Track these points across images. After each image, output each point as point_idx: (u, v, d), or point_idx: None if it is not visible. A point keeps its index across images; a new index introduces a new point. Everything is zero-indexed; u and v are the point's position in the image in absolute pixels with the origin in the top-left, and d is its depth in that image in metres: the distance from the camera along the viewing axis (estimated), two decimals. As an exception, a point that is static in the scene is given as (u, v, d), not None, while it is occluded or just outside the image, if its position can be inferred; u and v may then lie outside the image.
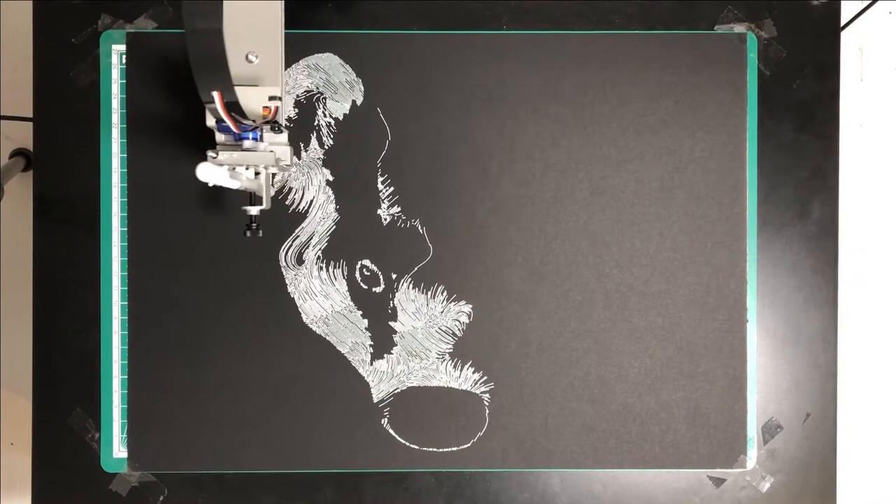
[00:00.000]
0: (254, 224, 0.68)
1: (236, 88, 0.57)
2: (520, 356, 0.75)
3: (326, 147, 0.75)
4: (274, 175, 0.74)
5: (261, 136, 0.65)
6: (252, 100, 0.61)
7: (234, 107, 0.58)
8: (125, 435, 0.75)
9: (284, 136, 0.67)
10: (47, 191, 0.75)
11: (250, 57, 0.63)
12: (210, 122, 0.64)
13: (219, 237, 0.74)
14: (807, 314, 0.76)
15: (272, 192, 0.74)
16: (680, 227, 0.75)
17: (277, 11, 0.66)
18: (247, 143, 0.64)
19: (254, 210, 0.67)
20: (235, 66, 0.58)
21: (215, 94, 0.55)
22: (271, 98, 0.63)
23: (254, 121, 0.62)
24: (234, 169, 0.64)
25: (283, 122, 0.67)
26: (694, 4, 0.76)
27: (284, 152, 0.67)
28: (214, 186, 0.75)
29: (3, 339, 1.21)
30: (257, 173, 0.67)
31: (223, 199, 0.74)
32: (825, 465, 0.76)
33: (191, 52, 0.53)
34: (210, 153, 0.64)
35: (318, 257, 0.75)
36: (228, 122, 0.59)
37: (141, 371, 0.74)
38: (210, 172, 0.60)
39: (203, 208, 0.74)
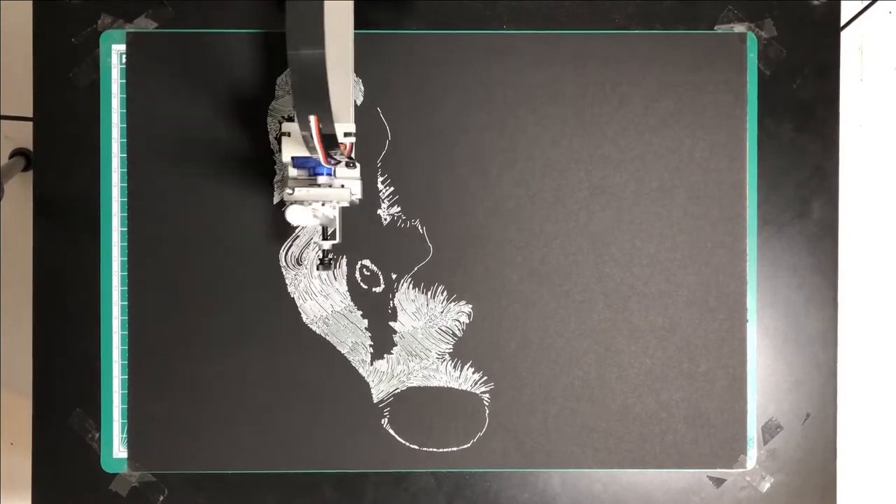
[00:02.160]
0: (328, 257, 0.70)
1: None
2: (520, 356, 0.75)
3: (326, 147, 0.75)
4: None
5: (334, 172, 0.66)
6: None
7: (329, 139, 0.58)
8: (125, 435, 0.75)
9: (357, 171, 0.68)
10: (47, 191, 0.75)
11: None
12: (286, 157, 0.64)
13: (219, 237, 0.74)
14: (807, 314, 0.76)
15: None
16: (680, 227, 0.75)
17: (349, 46, 0.66)
18: (321, 179, 0.65)
19: (327, 244, 0.69)
20: None
21: (312, 119, 0.54)
22: (346, 134, 0.64)
23: (337, 156, 0.62)
24: (311, 205, 0.65)
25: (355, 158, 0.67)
26: (694, 4, 0.76)
27: (356, 187, 0.68)
28: (214, 186, 0.75)
29: (3, 339, 1.21)
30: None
31: (223, 199, 0.74)
32: (825, 465, 0.76)
33: (293, 77, 0.52)
34: (287, 190, 0.65)
35: (318, 257, 0.75)
36: (320, 152, 0.58)
37: (141, 371, 0.74)
38: (300, 214, 0.62)
39: (203, 208, 0.74)
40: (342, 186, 0.66)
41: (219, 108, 0.74)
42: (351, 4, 0.68)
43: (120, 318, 0.75)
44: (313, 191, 0.65)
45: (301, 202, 0.65)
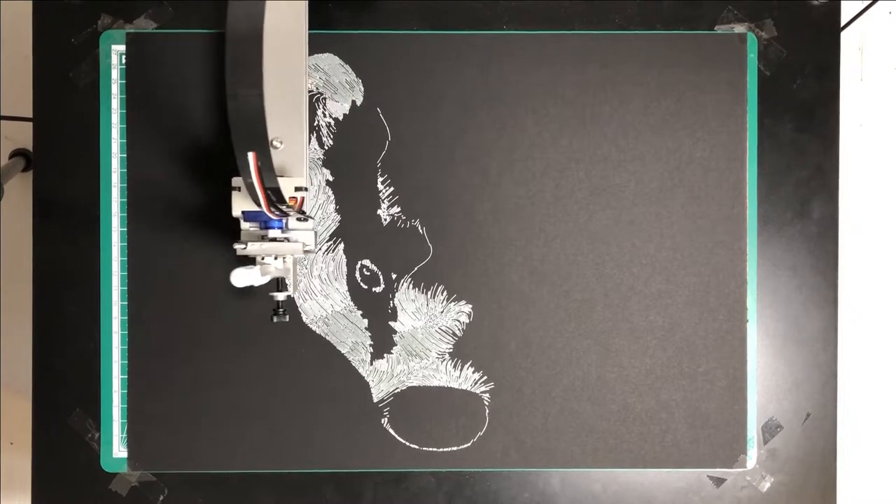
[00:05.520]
0: (281, 309, 0.68)
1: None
2: (520, 356, 0.75)
3: (326, 147, 0.75)
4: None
5: (286, 225, 0.65)
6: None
7: (274, 193, 0.57)
8: (125, 435, 0.75)
9: (310, 223, 0.67)
10: (47, 191, 0.75)
11: (275, 143, 0.62)
12: (236, 211, 0.64)
13: (218, 237, 0.74)
14: (807, 314, 0.76)
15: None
16: (680, 227, 0.75)
17: (303, 97, 0.65)
18: (273, 233, 0.64)
19: (281, 296, 0.68)
20: None
21: (250, 156, 0.53)
22: (297, 189, 0.63)
23: (286, 209, 0.61)
24: (262, 260, 0.64)
25: (308, 211, 0.66)
26: (694, 4, 0.76)
27: (310, 238, 0.67)
28: (214, 186, 0.75)
29: (3, 339, 1.21)
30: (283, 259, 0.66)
31: (223, 199, 0.74)
32: (825, 465, 0.76)
33: (231, 118, 0.51)
34: (238, 245, 0.64)
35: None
36: (261, 197, 0.57)
37: (141, 371, 0.74)
38: (244, 277, 0.61)
39: (203, 208, 0.74)
40: (296, 240, 0.65)
41: (219, 108, 0.74)
42: (305, 55, 0.67)
43: (120, 318, 0.75)
44: (266, 245, 0.64)
45: (247, 263, 0.64)
